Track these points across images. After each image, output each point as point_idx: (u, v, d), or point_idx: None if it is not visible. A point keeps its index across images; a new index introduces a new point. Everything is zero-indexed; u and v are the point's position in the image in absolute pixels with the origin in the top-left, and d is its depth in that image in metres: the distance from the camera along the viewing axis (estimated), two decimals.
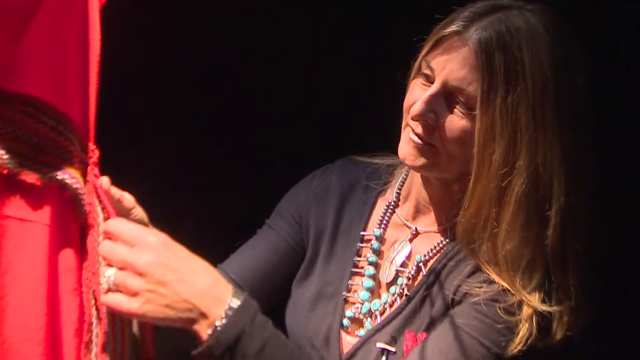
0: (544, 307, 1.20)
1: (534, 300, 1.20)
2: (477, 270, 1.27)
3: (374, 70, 1.52)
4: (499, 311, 1.20)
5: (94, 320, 0.89)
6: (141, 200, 1.17)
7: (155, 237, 0.99)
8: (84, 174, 0.95)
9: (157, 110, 1.73)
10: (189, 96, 1.81)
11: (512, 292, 1.22)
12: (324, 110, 1.83)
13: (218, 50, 1.79)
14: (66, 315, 0.88)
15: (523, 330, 1.19)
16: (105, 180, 1.03)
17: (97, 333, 0.88)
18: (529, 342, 1.19)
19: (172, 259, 0.97)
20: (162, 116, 1.75)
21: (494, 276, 1.24)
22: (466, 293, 1.25)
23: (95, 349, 0.86)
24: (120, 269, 0.96)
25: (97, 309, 0.90)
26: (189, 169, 1.82)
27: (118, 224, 0.97)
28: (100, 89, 0.95)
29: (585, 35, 1.23)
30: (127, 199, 1.18)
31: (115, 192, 1.14)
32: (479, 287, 1.24)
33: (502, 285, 1.22)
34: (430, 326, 1.28)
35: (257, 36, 1.80)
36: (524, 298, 1.20)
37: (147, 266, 0.95)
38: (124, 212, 1.18)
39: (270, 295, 1.50)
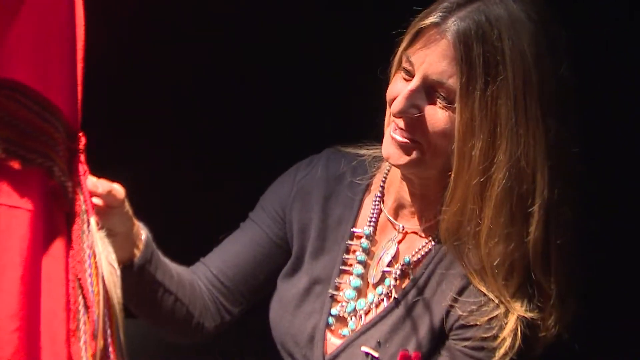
0: (528, 314, 1.24)
1: (518, 307, 1.24)
2: (467, 285, 1.30)
3: (364, 62, 1.55)
4: (487, 347, 1.26)
5: (81, 308, 0.91)
6: (127, 190, 1.20)
7: None
8: (70, 161, 0.96)
9: (144, 100, 1.76)
10: (177, 87, 1.84)
11: (497, 299, 1.25)
12: (310, 100, 1.87)
13: (207, 43, 1.82)
14: (51, 303, 0.91)
15: (505, 345, 1.24)
16: (91, 180, 1.05)
17: (85, 321, 0.91)
18: (510, 356, 1.25)
19: None
20: (149, 106, 1.77)
21: (480, 286, 1.27)
22: (458, 318, 1.29)
23: (84, 336, 0.89)
24: None
25: (84, 297, 0.92)
26: (174, 160, 1.84)
27: None
28: (88, 77, 0.97)
29: (572, 23, 1.24)
30: (118, 190, 1.20)
31: (105, 184, 1.16)
32: (470, 314, 1.27)
33: (490, 306, 1.26)
34: (420, 342, 1.32)
35: (247, 32, 1.82)
36: (507, 305, 1.24)
37: None
38: (115, 204, 1.21)
39: (253, 291, 1.53)
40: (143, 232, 1.36)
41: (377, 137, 1.40)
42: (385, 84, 1.34)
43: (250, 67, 1.87)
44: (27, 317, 0.86)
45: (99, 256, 0.96)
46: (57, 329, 0.89)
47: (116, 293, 1.00)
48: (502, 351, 1.24)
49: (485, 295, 1.28)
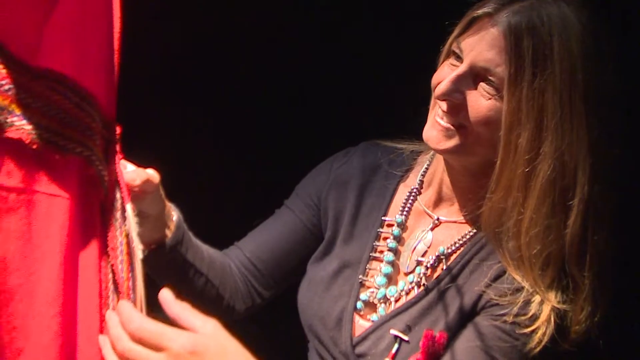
0: (561, 306, 1.26)
1: (552, 298, 1.27)
2: (501, 274, 1.33)
3: (405, 60, 1.57)
4: (519, 332, 1.28)
5: (111, 294, 0.96)
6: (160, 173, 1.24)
7: (183, 340, 0.94)
8: (105, 150, 1.00)
9: (180, 89, 1.79)
10: (215, 77, 1.86)
11: (532, 288, 1.28)
12: (350, 93, 1.88)
13: (248, 34, 1.83)
14: (86, 289, 0.95)
15: (539, 333, 1.27)
16: (128, 170, 1.09)
17: (114, 306, 0.96)
18: (543, 343, 1.27)
19: None
20: (186, 95, 1.80)
21: (516, 275, 1.30)
22: (490, 300, 1.31)
23: None
24: None
25: (115, 283, 0.97)
26: (211, 147, 1.88)
27: (141, 324, 0.94)
28: (123, 68, 1.01)
29: (622, 34, 1.27)
30: (154, 176, 1.25)
31: (141, 173, 1.21)
32: (504, 296, 1.30)
33: (524, 293, 1.28)
34: (449, 325, 1.34)
35: (288, 28, 1.84)
36: (542, 295, 1.27)
37: None
38: (150, 190, 1.26)
39: (285, 276, 1.58)
40: (174, 214, 1.41)
41: (415, 133, 1.43)
42: (425, 79, 1.38)
43: (293, 62, 1.89)
44: (65, 302, 0.91)
45: (134, 243, 1.00)
46: (92, 314, 0.94)
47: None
48: (536, 337, 1.27)
49: (519, 283, 1.31)
